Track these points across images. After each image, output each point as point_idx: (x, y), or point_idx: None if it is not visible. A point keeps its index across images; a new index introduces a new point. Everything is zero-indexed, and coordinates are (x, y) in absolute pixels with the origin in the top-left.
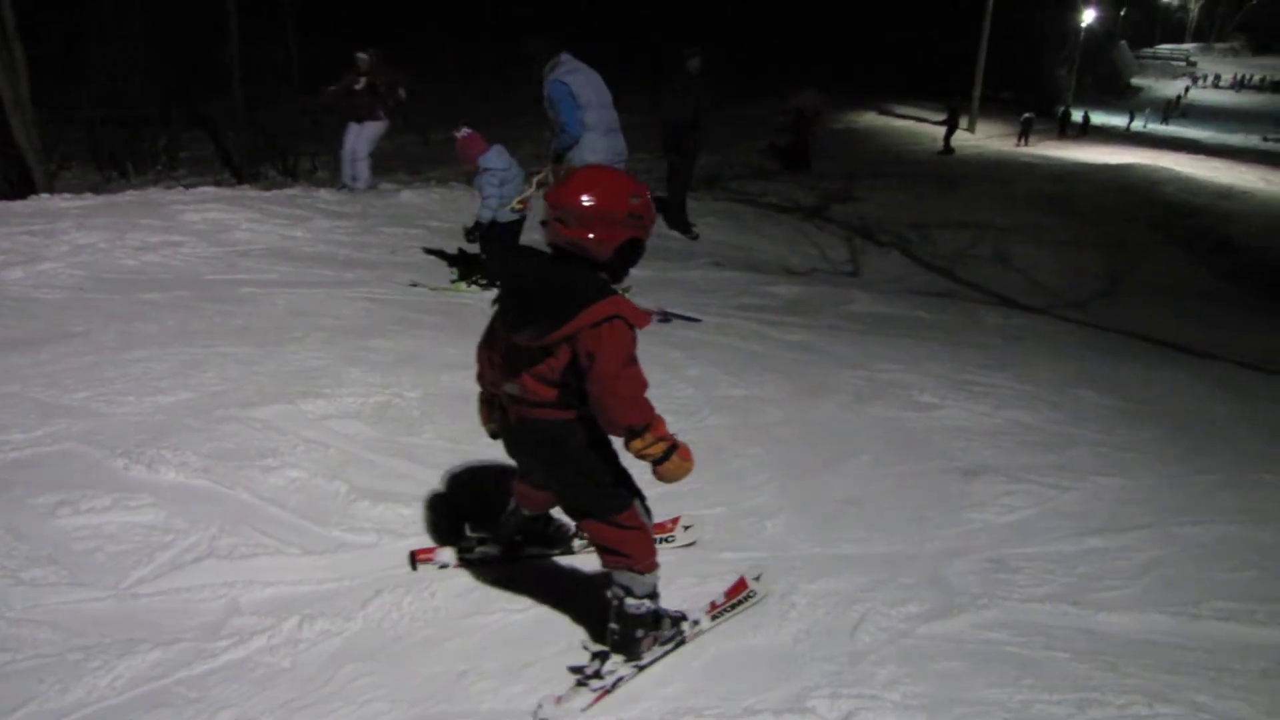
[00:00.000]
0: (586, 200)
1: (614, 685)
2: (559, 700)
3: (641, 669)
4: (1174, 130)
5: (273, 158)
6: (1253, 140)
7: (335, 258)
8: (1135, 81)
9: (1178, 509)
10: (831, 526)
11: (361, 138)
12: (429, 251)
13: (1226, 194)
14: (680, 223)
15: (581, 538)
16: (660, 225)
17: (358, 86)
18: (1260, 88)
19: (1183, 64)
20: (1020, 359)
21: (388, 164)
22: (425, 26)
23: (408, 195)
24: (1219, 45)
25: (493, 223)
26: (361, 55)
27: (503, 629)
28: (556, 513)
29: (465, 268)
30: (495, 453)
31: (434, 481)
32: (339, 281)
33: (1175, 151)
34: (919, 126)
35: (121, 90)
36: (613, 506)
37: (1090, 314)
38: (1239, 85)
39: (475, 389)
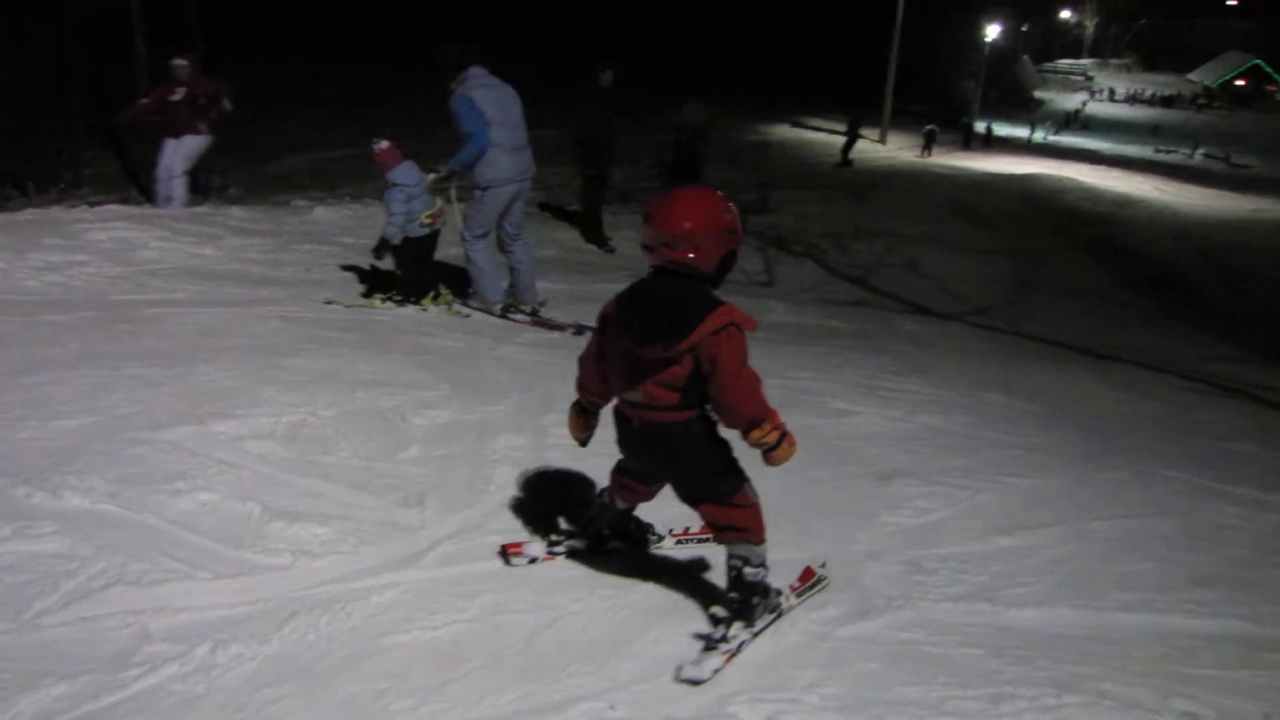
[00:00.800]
0: (689, 224)
1: (738, 649)
2: (695, 664)
3: (755, 634)
4: (1074, 141)
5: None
6: (1146, 151)
7: (247, 276)
8: (1037, 95)
9: (1085, 506)
10: None
11: (178, 154)
12: (344, 268)
13: (1125, 202)
14: (597, 237)
15: (658, 535)
16: (576, 240)
17: (174, 98)
18: (1151, 102)
19: (1081, 78)
20: (932, 365)
21: (300, 180)
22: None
23: (321, 211)
24: (1114, 61)
25: (406, 238)
26: (178, 62)
27: (422, 646)
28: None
29: (379, 284)
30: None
31: (349, 499)
32: (251, 300)
33: (1076, 161)
34: (832, 139)
35: (19, 104)
36: (730, 490)
37: (999, 319)
38: (1132, 99)
39: (390, 405)
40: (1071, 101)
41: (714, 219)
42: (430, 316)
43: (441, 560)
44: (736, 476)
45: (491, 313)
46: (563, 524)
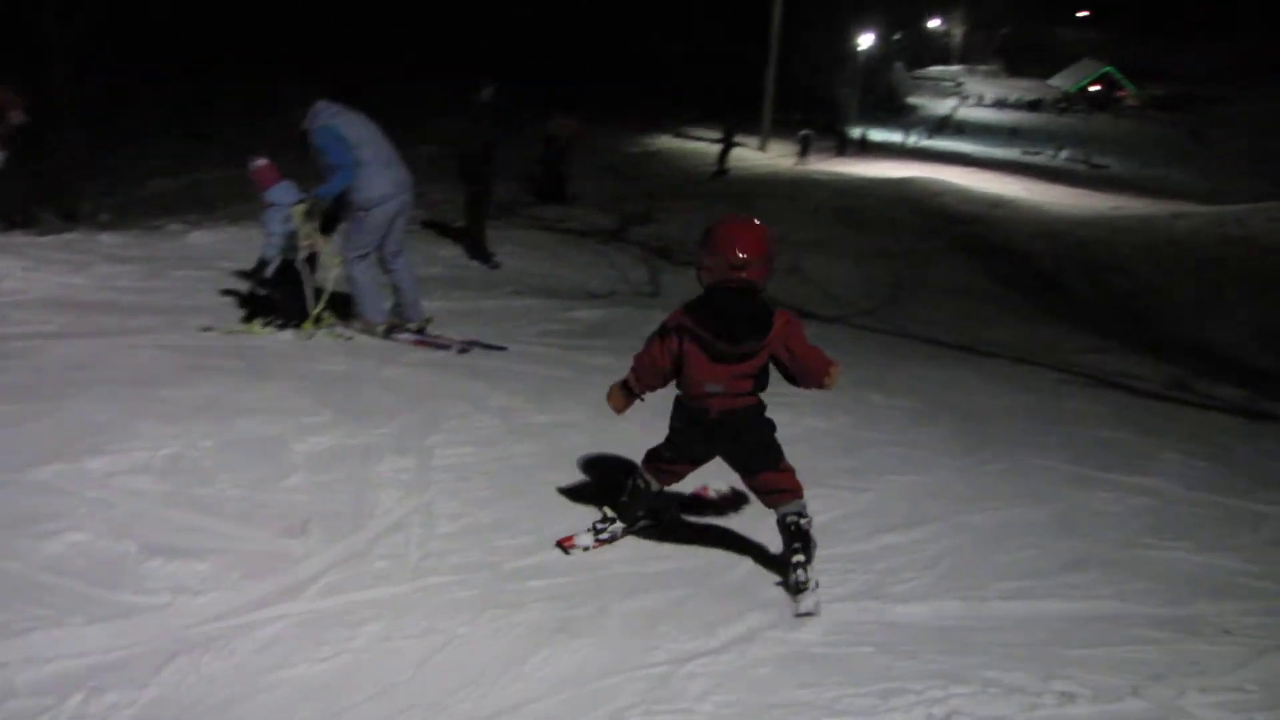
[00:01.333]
0: (750, 253)
1: (817, 584)
2: (800, 604)
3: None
4: (947, 145)
5: (50, 200)
6: (1014, 153)
7: (119, 305)
8: (911, 100)
9: (965, 500)
10: (640, 544)
11: None
12: (223, 293)
13: (997, 203)
14: (480, 253)
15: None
16: (460, 256)
17: None
18: (1018, 106)
19: (951, 84)
20: None
21: (177, 204)
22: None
23: (198, 235)
24: (981, 68)
25: (285, 261)
26: None
27: (309, 680)
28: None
29: (259, 308)
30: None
31: (230, 532)
32: (124, 330)
33: (950, 164)
34: (714, 148)
35: None
36: (779, 457)
37: (880, 320)
38: (1000, 104)
39: (271, 433)
40: (943, 107)
41: (766, 248)
42: (312, 340)
43: (327, 590)
44: (779, 446)
45: (375, 334)
46: (607, 511)
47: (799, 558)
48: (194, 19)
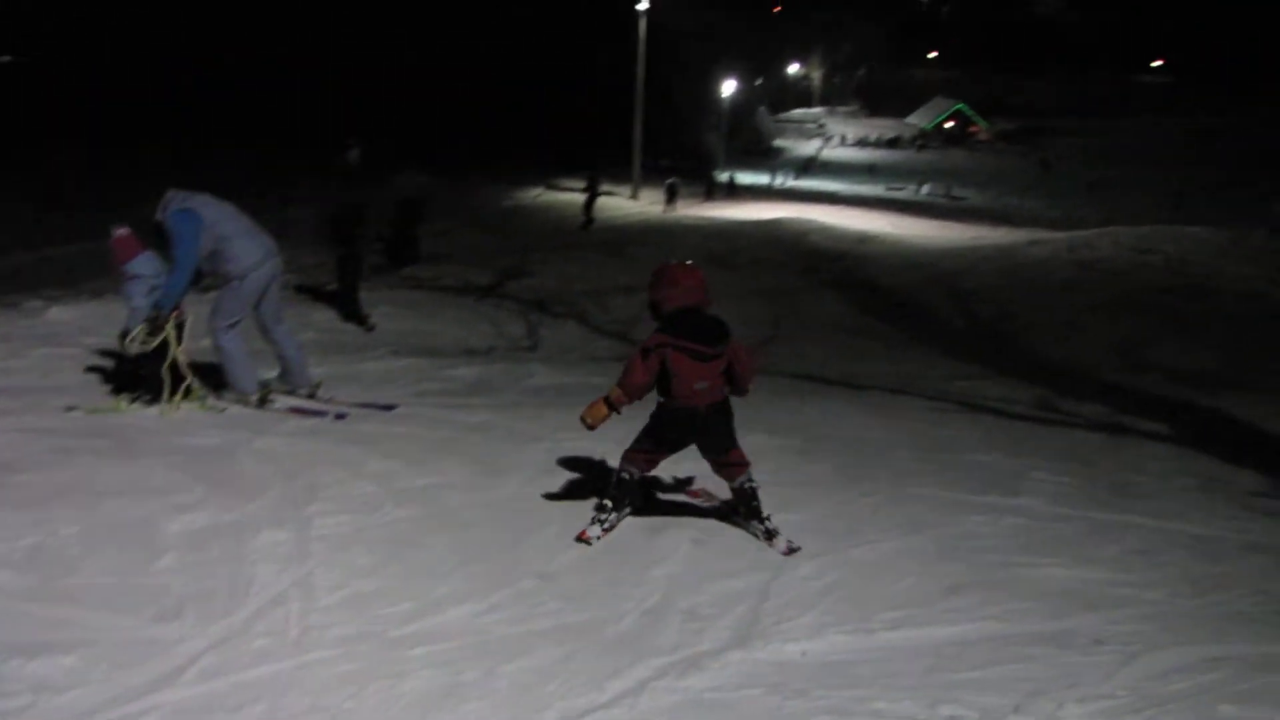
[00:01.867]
0: (701, 283)
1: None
2: (775, 544)
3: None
4: (814, 184)
5: None
6: (879, 190)
7: None
8: (777, 143)
9: (845, 533)
10: (524, 603)
11: None
12: (87, 370)
13: (864, 239)
14: (355, 315)
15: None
16: (334, 319)
17: None
18: (878, 144)
19: (814, 126)
20: None
21: (33, 278)
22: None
23: (57, 311)
24: (841, 109)
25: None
26: None
27: None
28: None
29: (126, 384)
30: None
31: (99, 622)
32: None
33: (817, 204)
34: (582, 197)
35: None
36: (736, 438)
37: (758, 359)
38: (862, 143)
39: (141, 514)
40: (808, 148)
41: (705, 281)
42: (183, 415)
43: (204, 674)
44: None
45: (249, 404)
46: (605, 504)
47: (763, 514)
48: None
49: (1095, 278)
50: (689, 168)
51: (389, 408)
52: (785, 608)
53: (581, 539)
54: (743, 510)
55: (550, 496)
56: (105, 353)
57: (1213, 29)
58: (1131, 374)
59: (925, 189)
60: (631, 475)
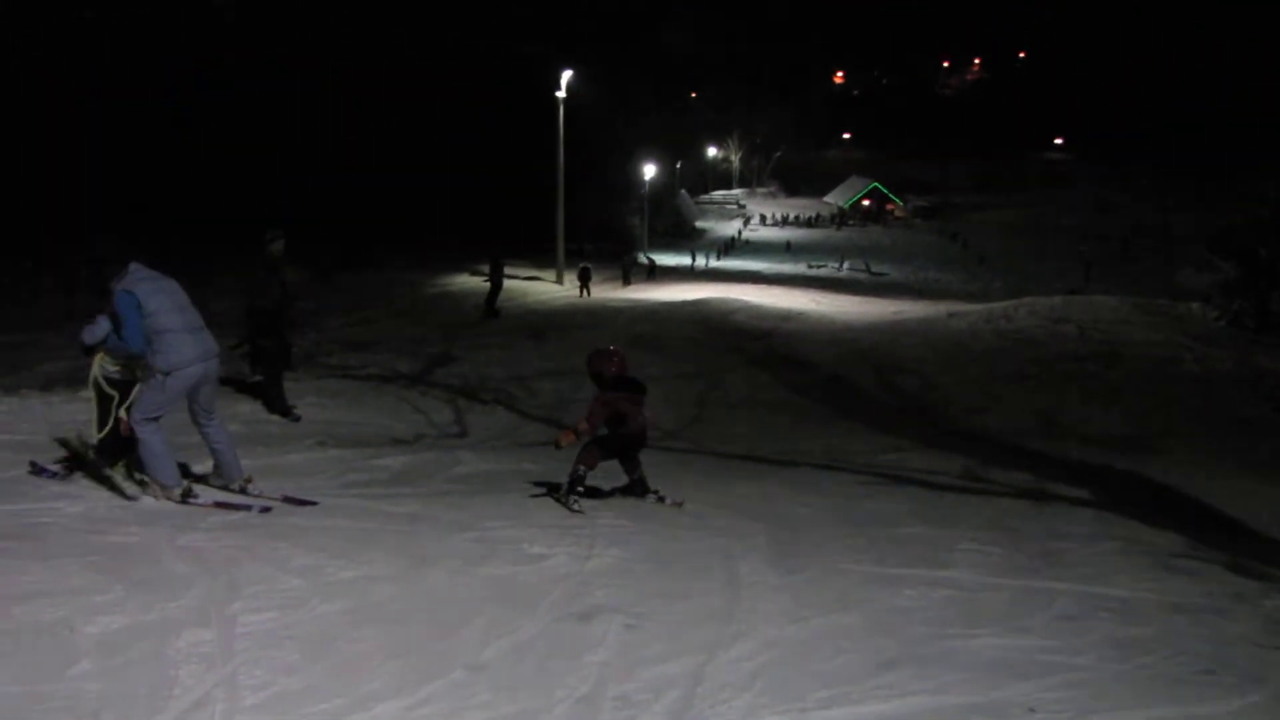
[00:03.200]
0: (624, 359)
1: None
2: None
3: None
4: (737, 264)
5: None
6: (801, 268)
7: None
8: (699, 224)
9: (777, 612)
10: (454, 697)
11: None
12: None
13: (787, 316)
14: (279, 407)
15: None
16: (259, 410)
17: None
18: (799, 224)
19: (735, 207)
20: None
21: None
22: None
23: None
24: (760, 190)
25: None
26: None
27: None
28: None
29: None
30: None
31: None
32: None
33: (741, 283)
34: (510, 284)
35: None
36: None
37: (686, 440)
38: (783, 222)
39: (55, 617)
40: (730, 228)
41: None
42: (103, 511)
43: None
44: None
45: (171, 499)
46: (576, 486)
47: (652, 488)
48: None
49: (1013, 347)
50: (611, 250)
51: (309, 503)
52: (719, 691)
53: (573, 509)
54: (639, 489)
55: (479, 586)
56: (21, 447)
57: (1109, 110)
58: (1052, 440)
59: (846, 266)
60: (585, 472)
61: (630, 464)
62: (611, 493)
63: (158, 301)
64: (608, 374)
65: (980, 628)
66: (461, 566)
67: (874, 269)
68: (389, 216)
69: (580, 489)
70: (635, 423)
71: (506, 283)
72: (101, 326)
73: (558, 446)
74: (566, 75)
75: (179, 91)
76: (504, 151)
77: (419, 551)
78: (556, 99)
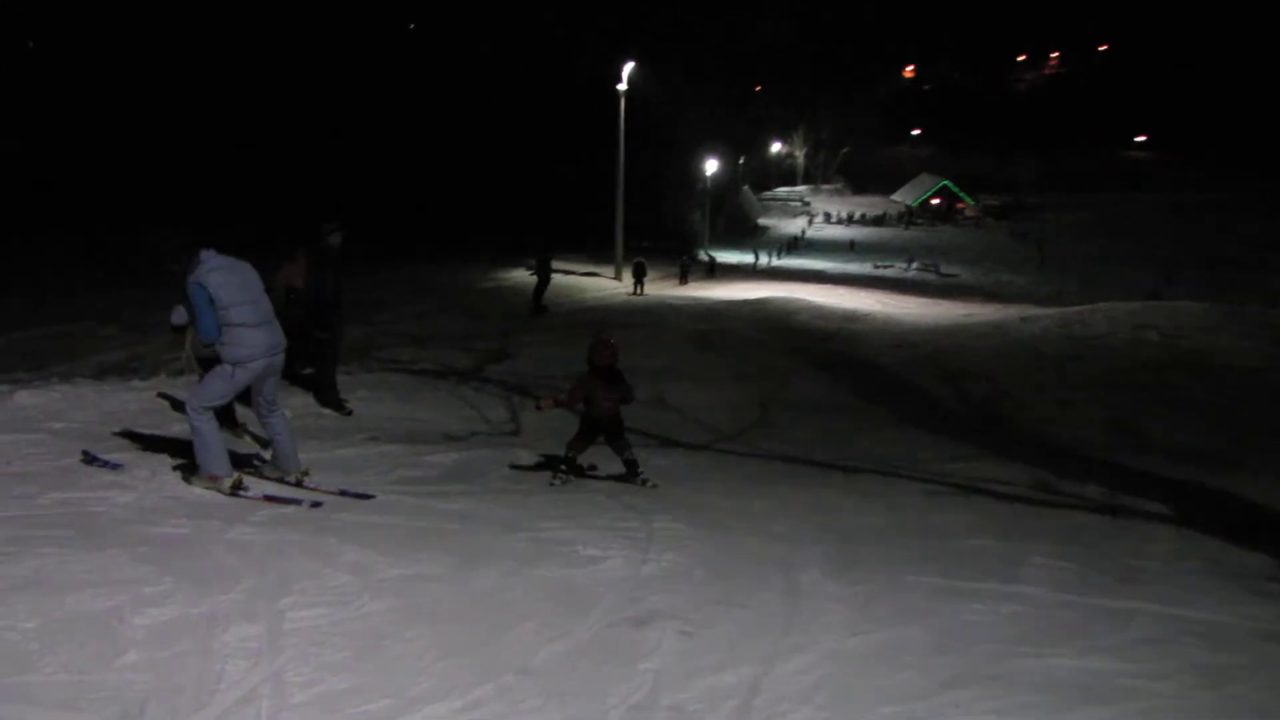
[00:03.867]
0: (615, 350)
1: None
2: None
3: None
4: (800, 263)
5: None
6: (867, 267)
7: None
8: (762, 222)
9: (839, 624)
10: (503, 701)
11: None
12: (57, 455)
13: (852, 317)
14: (332, 400)
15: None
16: (311, 404)
17: None
18: (865, 222)
19: (799, 204)
20: (683, 498)
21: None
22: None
23: (24, 396)
24: (825, 187)
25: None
26: None
27: None
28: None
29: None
30: None
31: None
32: None
33: (804, 282)
34: (566, 281)
35: None
36: (624, 432)
37: (746, 444)
38: (848, 220)
39: (105, 606)
40: (793, 226)
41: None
42: (154, 502)
43: None
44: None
45: (221, 490)
46: (562, 468)
47: (638, 470)
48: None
49: (1089, 354)
50: (671, 248)
51: (366, 497)
52: (777, 703)
53: (551, 483)
54: (630, 473)
55: (531, 588)
56: (75, 436)
57: (1195, 106)
58: (1130, 453)
59: (913, 266)
60: (575, 454)
61: (617, 446)
62: (605, 477)
63: (229, 294)
64: (594, 361)
65: (1052, 647)
66: (513, 567)
67: (943, 270)
68: (446, 209)
69: (563, 467)
70: (600, 407)
71: (563, 279)
72: (181, 313)
73: (538, 408)
74: (628, 68)
75: (229, 82)
76: (565, 144)
77: (470, 551)
78: (617, 91)
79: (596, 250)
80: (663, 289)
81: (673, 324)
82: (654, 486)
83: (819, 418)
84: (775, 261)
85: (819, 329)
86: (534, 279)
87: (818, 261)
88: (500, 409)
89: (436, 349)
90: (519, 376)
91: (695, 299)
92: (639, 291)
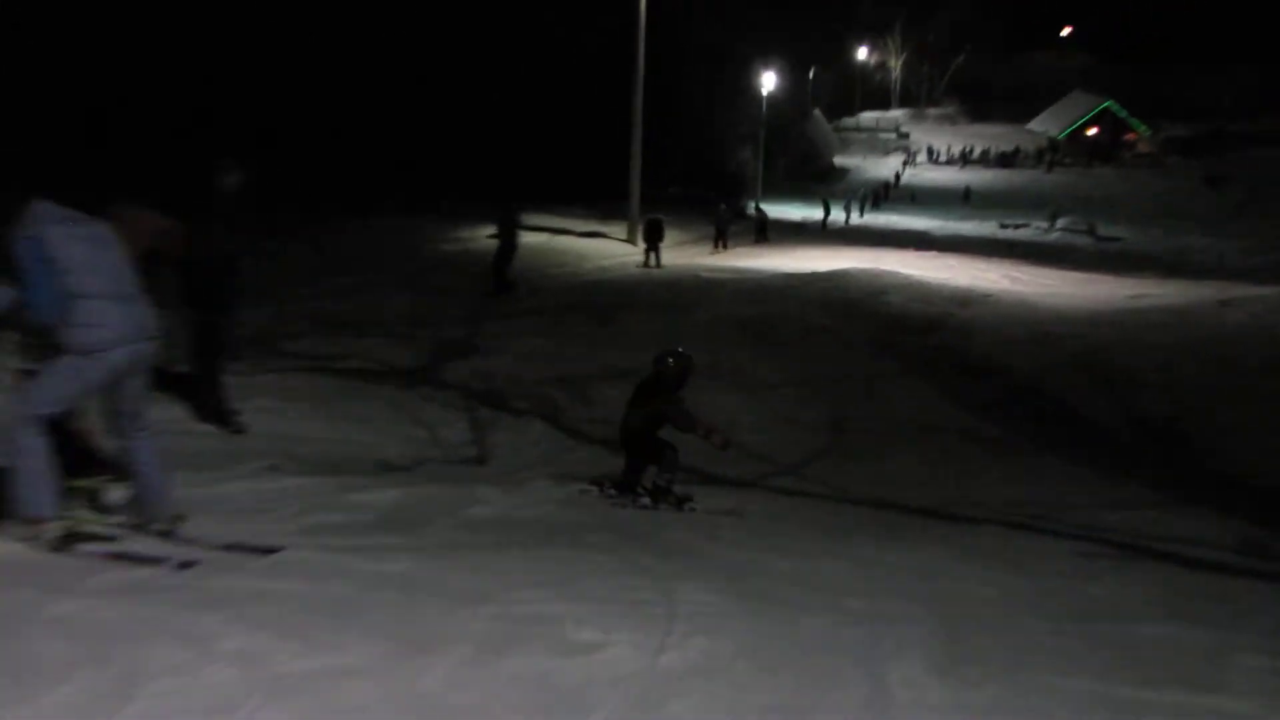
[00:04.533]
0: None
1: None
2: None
3: None
4: (893, 220)
5: None
6: (988, 228)
7: None
8: (839, 162)
9: None
10: None
11: None
12: None
13: (966, 300)
14: (217, 411)
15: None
16: (186, 416)
17: None
18: (986, 162)
19: (893, 136)
20: (718, 556)
21: None
22: None
23: None
24: (932, 111)
25: None
26: None
27: None
28: None
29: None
30: None
31: None
32: None
33: (898, 249)
34: (561, 242)
35: None
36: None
37: (812, 480)
38: (962, 160)
39: None
40: (884, 167)
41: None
42: None
43: None
44: None
45: (40, 541)
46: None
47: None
48: None
49: None
50: (706, 198)
51: (264, 552)
52: None
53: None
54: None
55: (499, 688)
56: None
57: None
58: None
59: (1059, 226)
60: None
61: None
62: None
63: (74, 254)
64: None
65: None
66: (475, 656)
67: (1101, 231)
68: (404, 149)
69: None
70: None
71: (557, 242)
72: (6, 292)
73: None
74: None
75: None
76: (561, 62)
77: (412, 633)
78: None
79: (607, 202)
80: (692, 257)
81: (706, 308)
82: (692, 509)
83: (919, 444)
84: (856, 218)
85: (920, 316)
86: (499, 245)
87: (918, 219)
88: (460, 426)
89: (372, 338)
90: (489, 380)
91: (739, 271)
92: (652, 262)
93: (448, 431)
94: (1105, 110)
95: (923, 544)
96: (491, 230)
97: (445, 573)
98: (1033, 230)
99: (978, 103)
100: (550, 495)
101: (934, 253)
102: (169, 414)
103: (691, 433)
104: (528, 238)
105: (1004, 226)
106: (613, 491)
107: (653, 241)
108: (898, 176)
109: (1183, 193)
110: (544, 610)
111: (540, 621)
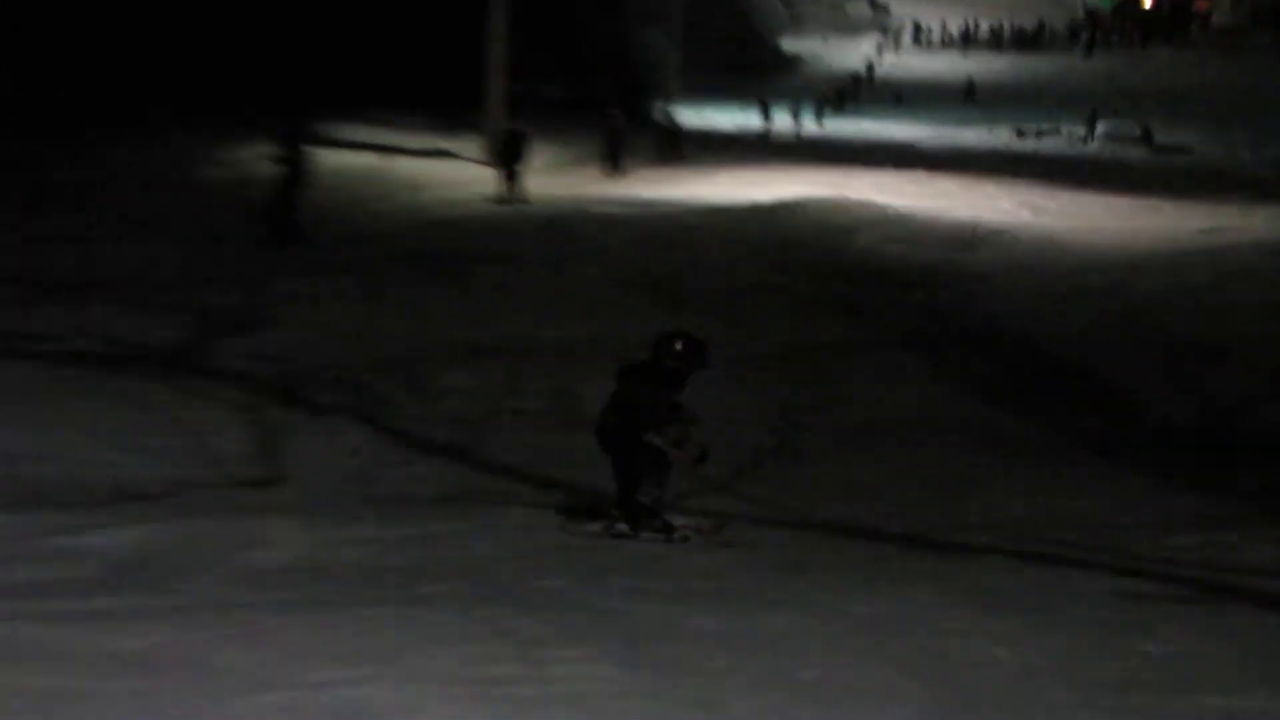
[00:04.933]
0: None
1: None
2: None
3: None
4: (864, 128)
5: None
6: (1000, 137)
7: None
8: (789, 46)
9: None
10: None
11: None
12: None
13: (970, 240)
14: None
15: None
16: None
17: None
18: (999, 44)
19: (866, 8)
20: (614, 610)
21: None
22: None
23: None
24: None
25: None
26: None
27: None
28: None
29: None
30: None
31: None
32: None
33: (873, 168)
34: (396, 165)
35: None
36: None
37: (756, 500)
38: (963, 41)
39: None
40: (853, 54)
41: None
42: None
43: None
44: None
45: None
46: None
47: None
48: None
49: None
50: (601, 100)
51: None
52: None
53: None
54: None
55: None
56: None
57: None
58: None
59: (1099, 131)
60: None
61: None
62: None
63: None
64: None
65: None
66: None
67: (1160, 139)
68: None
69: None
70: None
71: (389, 166)
72: None
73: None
74: None
75: None
76: None
77: None
78: None
79: (456, 108)
80: (577, 185)
81: (596, 259)
82: (684, 539)
83: (900, 444)
84: (812, 126)
85: (901, 264)
86: (283, 173)
87: (900, 125)
88: (238, 433)
89: (104, 305)
90: (280, 365)
91: (643, 204)
92: (512, 191)
93: (219, 441)
94: None
95: (905, 584)
96: (274, 151)
97: (211, 648)
98: (1064, 139)
99: None
100: (370, 524)
101: (923, 173)
102: None
103: (661, 433)
104: (348, 159)
105: (1022, 135)
106: (623, 527)
107: (510, 162)
108: (871, 67)
109: (1271, 85)
110: (353, 696)
111: (352, 713)
